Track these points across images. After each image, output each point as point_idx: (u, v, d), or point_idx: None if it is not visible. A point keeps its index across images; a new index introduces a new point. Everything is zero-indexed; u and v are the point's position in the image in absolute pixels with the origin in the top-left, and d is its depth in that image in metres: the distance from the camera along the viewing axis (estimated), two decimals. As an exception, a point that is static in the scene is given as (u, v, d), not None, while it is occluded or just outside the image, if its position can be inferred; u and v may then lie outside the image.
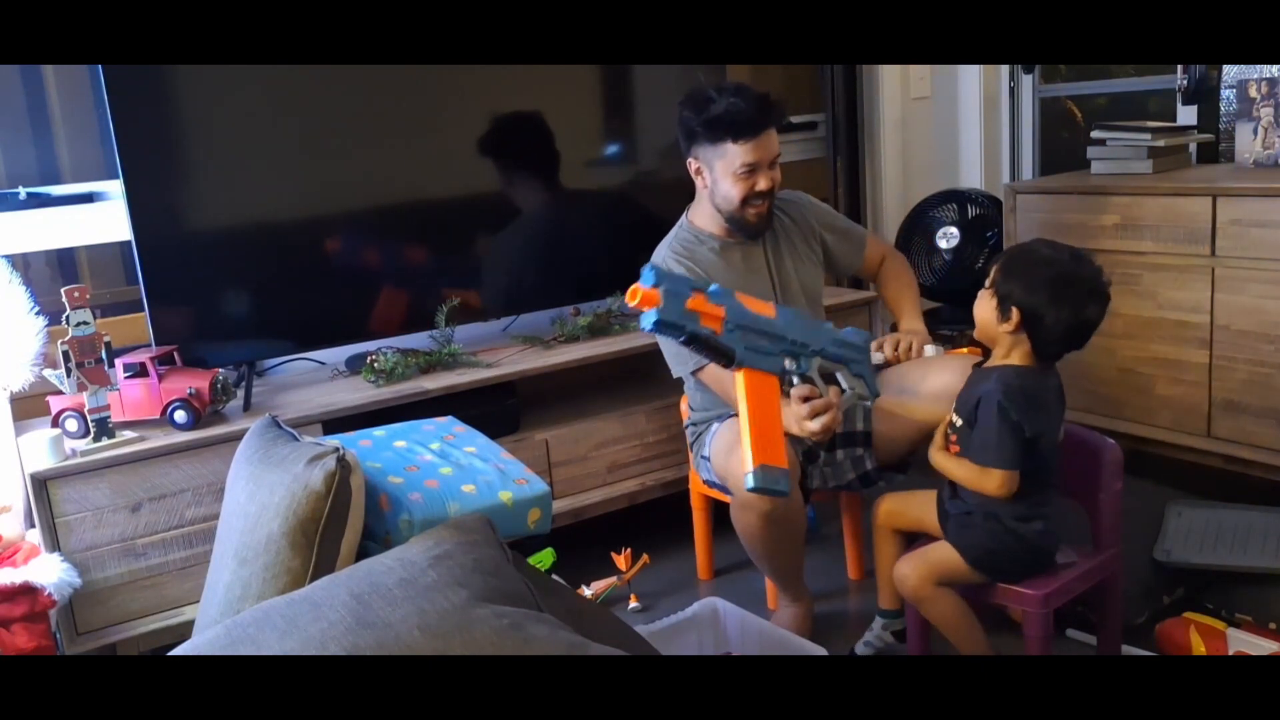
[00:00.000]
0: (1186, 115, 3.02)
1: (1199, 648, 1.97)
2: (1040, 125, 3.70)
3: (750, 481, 1.53)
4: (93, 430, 2.13)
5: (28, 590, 1.96)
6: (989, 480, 1.78)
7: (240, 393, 2.38)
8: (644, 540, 2.64)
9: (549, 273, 2.80)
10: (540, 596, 1.34)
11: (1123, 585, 1.99)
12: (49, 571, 1.99)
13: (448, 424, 1.92)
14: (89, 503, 2.09)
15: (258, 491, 1.49)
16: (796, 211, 2.32)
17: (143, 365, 2.22)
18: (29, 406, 2.32)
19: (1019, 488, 1.78)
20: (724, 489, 2.17)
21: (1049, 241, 1.86)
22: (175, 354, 2.29)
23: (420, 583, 1.25)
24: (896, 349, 2.13)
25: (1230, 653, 1.94)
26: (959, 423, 1.85)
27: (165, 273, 2.29)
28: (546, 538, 2.11)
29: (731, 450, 2.04)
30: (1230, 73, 2.86)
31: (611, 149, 2.90)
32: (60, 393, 2.16)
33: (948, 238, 3.22)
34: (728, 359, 1.59)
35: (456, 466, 1.69)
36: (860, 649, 2.12)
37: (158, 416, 2.22)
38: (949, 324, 3.26)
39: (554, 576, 2.10)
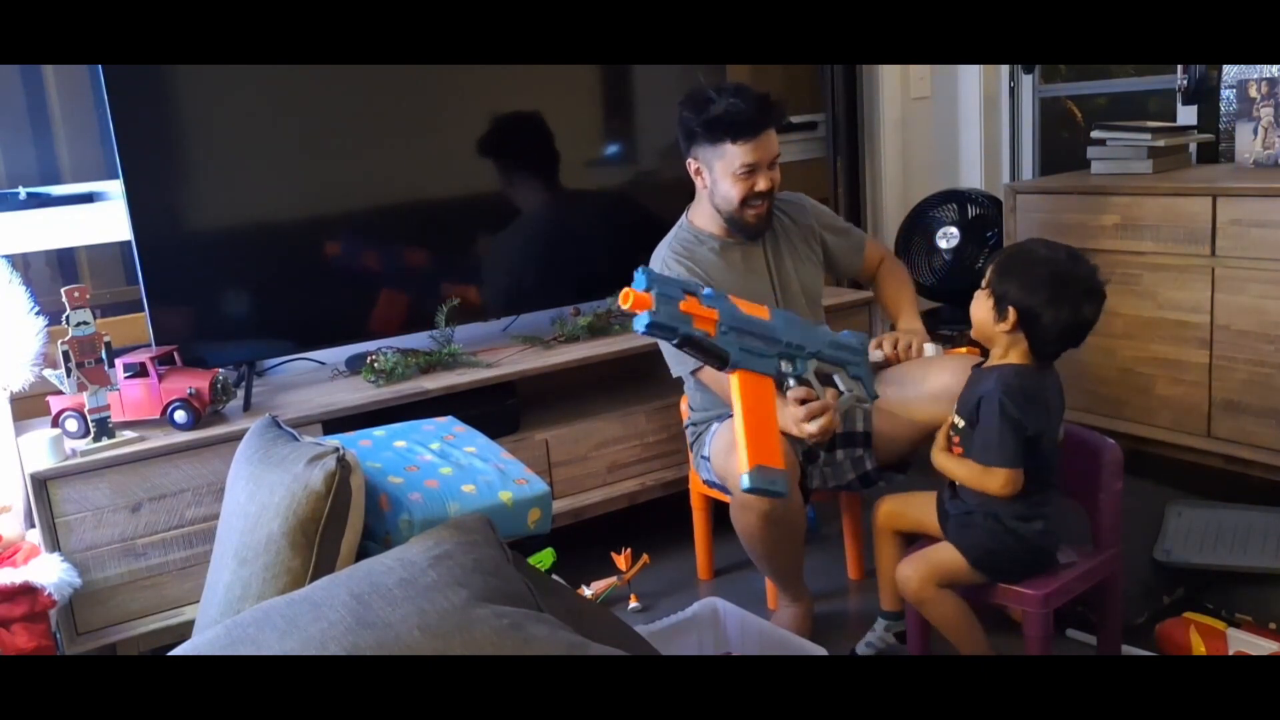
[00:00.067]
0: (1186, 115, 3.02)
1: (1199, 648, 1.97)
2: (1040, 125, 3.70)
3: (746, 482, 1.52)
4: (93, 430, 2.13)
5: (28, 590, 1.96)
6: (992, 479, 1.78)
7: (240, 393, 2.38)
8: (644, 540, 2.64)
9: (549, 273, 2.80)
10: (540, 596, 1.34)
11: (1123, 585, 1.99)
12: (49, 571, 1.99)
13: (448, 424, 1.92)
14: (89, 503, 2.09)
15: (258, 491, 1.49)
16: (796, 212, 2.32)
17: (143, 365, 2.22)
18: (29, 406, 2.32)
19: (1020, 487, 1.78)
20: (724, 489, 2.17)
21: (1045, 241, 1.86)
22: (175, 354, 2.29)
23: (420, 583, 1.25)
24: (896, 347, 2.13)
25: (1230, 653, 1.94)
26: (961, 424, 1.85)
27: (165, 273, 2.29)
28: (546, 538, 2.11)
29: (731, 450, 2.04)
30: (1230, 73, 2.86)
31: (611, 149, 2.90)
32: (60, 393, 2.16)
33: (948, 238, 3.22)
34: (722, 361, 1.59)
35: (456, 466, 1.69)
36: (861, 649, 2.12)
37: (158, 416, 2.22)
38: (949, 324, 3.26)
39: (554, 576, 2.10)
